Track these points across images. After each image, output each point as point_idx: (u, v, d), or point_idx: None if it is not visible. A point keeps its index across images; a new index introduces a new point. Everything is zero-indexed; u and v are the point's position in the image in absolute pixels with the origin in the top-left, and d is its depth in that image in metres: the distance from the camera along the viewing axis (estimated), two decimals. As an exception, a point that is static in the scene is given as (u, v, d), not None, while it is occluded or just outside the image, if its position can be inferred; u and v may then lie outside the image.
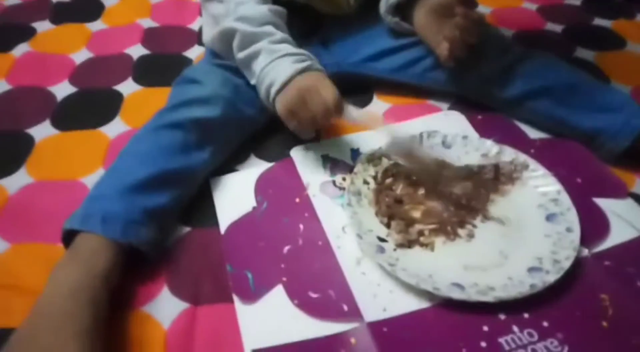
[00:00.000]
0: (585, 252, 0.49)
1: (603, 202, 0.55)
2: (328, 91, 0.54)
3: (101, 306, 0.42)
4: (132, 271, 0.48)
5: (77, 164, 0.61)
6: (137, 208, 0.47)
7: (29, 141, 0.64)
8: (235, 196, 0.57)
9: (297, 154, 0.61)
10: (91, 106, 0.71)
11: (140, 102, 0.71)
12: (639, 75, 0.74)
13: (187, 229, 0.53)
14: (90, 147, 0.64)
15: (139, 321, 0.45)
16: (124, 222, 0.46)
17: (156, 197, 0.49)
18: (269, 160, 0.61)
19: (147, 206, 0.48)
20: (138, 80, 0.75)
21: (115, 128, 0.66)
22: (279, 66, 0.56)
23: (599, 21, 0.90)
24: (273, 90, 0.56)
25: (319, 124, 0.57)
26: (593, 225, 0.52)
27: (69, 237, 0.46)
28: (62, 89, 0.73)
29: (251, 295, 0.47)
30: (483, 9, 0.93)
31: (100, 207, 0.47)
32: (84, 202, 0.49)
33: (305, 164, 0.60)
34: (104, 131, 0.66)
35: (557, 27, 0.87)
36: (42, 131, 0.66)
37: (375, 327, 0.44)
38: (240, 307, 0.46)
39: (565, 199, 0.53)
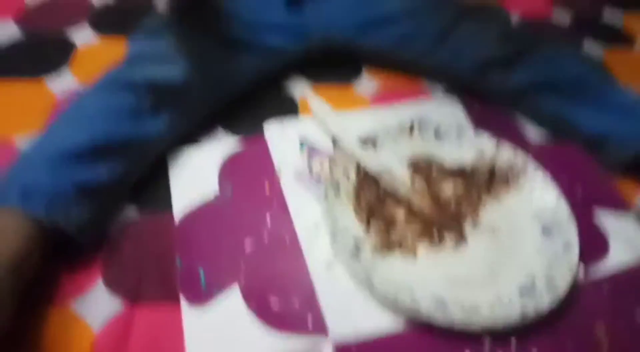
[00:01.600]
0: (582, 273, 0.44)
1: (603, 218, 0.50)
2: None
3: (2, 302, 0.32)
4: (59, 257, 0.40)
5: (12, 119, 0.52)
6: (69, 181, 0.39)
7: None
8: (196, 178, 0.49)
9: (271, 131, 0.54)
10: (37, 53, 0.61)
11: (95, 54, 0.61)
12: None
13: (134, 212, 0.46)
14: (30, 101, 0.55)
15: (64, 321, 0.38)
16: (51, 196, 0.37)
17: (95, 170, 0.41)
18: (238, 132, 0.54)
19: (82, 180, 0.40)
20: (96, 27, 0.65)
21: (62, 81, 0.57)
22: None
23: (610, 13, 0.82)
24: None
25: None
26: (591, 242, 0.46)
27: None
28: (6, 30, 0.63)
29: (201, 295, 0.40)
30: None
31: (23, 176, 0.38)
32: (6, 170, 0.40)
33: (279, 144, 0.53)
34: (48, 84, 0.57)
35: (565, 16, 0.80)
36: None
37: (342, 349, 0.38)
38: (187, 310, 0.39)
39: (565, 211, 0.47)
